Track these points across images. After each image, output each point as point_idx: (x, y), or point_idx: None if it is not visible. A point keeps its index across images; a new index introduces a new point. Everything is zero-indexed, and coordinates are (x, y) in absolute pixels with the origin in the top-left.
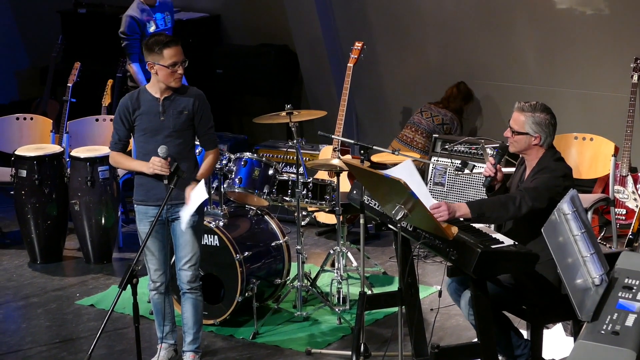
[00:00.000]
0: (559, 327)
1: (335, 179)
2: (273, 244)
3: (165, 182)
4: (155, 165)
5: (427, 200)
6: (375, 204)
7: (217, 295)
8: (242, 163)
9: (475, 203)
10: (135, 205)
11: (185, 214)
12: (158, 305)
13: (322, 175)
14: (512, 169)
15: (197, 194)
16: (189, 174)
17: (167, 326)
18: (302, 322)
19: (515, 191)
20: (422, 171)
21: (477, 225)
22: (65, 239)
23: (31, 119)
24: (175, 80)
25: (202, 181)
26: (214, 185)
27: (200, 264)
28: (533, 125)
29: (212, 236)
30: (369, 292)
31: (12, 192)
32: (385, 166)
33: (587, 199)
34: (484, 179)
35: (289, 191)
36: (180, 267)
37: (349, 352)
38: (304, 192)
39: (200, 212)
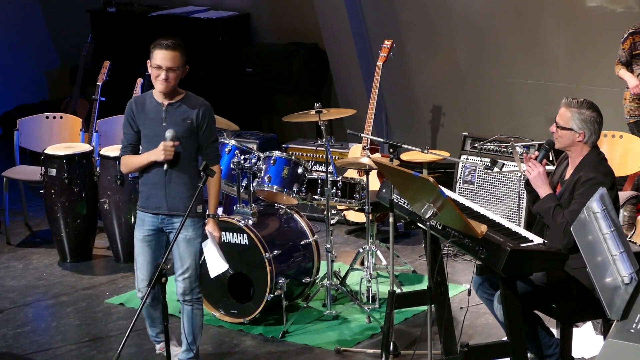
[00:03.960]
0: (588, 325)
1: (364, 178)
2: (302, 242)
3: (165, 167)
4: (167, 150)
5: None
6: (404, 203)
7: (246, 294)
8: (272, 162)
9: (546, 203)
10: (137, 211)
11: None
12: (146, 311)
13: (351, 173)
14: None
15: (209, 253)
16: (191, 186)
17: (157, 328)
18: (331, 320)
19: (563, 218)
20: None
21: (506, 224)
22: (95, 238)
23: (61, 117)
24: (158, 84)
25: (208, 240)
26: (244, 183)
27: (229, 262)
28: (578, 122)
29: (241, 235)
30: (399, 291)
31: (41, 191)
32: (414, 165)
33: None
34: (521, 177)
35: (319, 190)
36: (175, 277)
37: (379, 351)
38: (333, 190)
39: (196, 227)
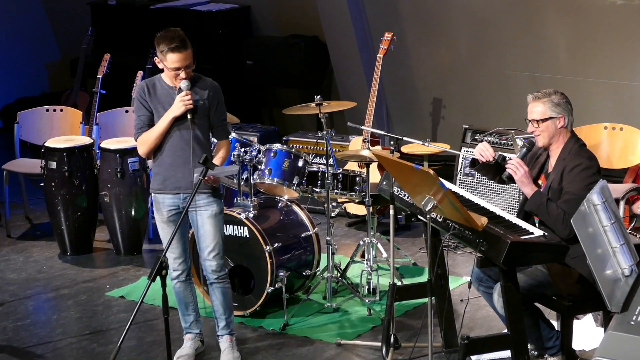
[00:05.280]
0: (589, 317)
1: (365, 170)
2: (303, 235)
3: (189, 116)
4: (185, 100)
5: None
6: (405, 195)
7: (247, 287)
8: (272, 154)
9: (536, 200)
10: (152, 195)
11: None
12: (180, 294)
13: (351, 166)
14: None
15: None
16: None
17: (190, 315)
18: (332, 313)
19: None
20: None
21: (506, 216)
22: (96, 231)
23: (61, 110)
24: (179, 82)
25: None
26: (244, 176)
27: (229, 255)
28: (554, 108)
29: (241, 227)
30: (399, 283)
31: (42, 184)
32: (414, 157)
33: (618, 189)
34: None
35: (319, 182)
36: (204, 257)
37: (379, 343)
38: (334, 183)
39: (219, 201)
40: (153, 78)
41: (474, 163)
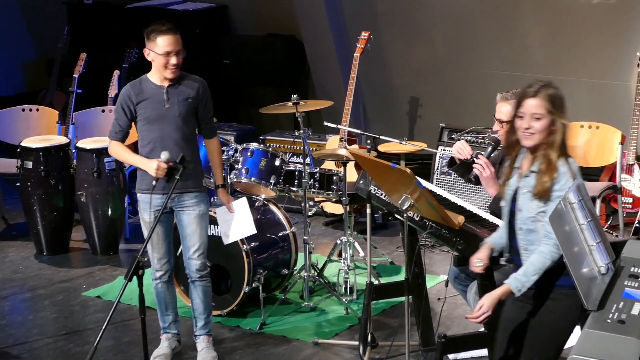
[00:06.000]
0: None
1: (342, 169)
2: (280, 234)
3: (154, 182)
4: (161, 170)
5: None
6: (382, 194)
7: (224, 286)
8: (249, 153)
9: (497, 203)
10: (138, 195)
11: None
12: (162, 294)
13: (329, 165)
14: None
15: (240, 212)
16: (194, 164)
17: (170, 315)
18: (309, 312)
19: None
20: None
21: (483, 215)
22: (72, 231)
23: (37, 110)
24: (170, 71)
25: (244, 198)
26: None
27: (207, 254)
28: None
29: (219, 227)
30: (376, 282)
31: (18, 184)
32: (392, 156)
33: (594, 187)
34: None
35: (296, 181)
36: (189, 256)
37: (356, 342)
38: (311, 182)
39: (206, 200)
40: (137, 79)
41: (452, 162)
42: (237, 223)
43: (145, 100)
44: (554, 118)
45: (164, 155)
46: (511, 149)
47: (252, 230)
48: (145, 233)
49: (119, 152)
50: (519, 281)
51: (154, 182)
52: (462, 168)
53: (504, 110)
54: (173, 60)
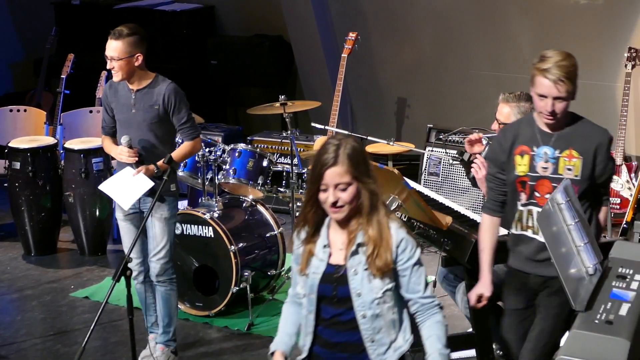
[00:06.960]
0: None
1: None
2: (268, 234)
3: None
4: (123, 154)
5: None
6: None
7: (212, 287)
8: (237, 154)
9: None
10: None
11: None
12: (142, 294)
13: None
14: None
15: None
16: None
17: (152, 316)
18: None
19: None
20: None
21: (471, 215)
22: (60, 231)
23: (25, 110)
24: (113, 73)
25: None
26: (209, 176)
27: (194, 255)
28: (519, 115)
29: (206, 227)
30: None
31: (5, 184)
32: (379, 157)
33: None
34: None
35: (284, 182)
36: (149, 259)
37: None
38: (299, 182)
39: (171, 206)
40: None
41: (460, 154)
42: (130, 186)
43: (116, 102)
44: (359, 181)
45: (124, 139)
46: (309, 225)
47: (149, 184)
48: (121, 231)
49: (105, 145)
50: (445, 357)
51: (132, 167)
52: (466, 165)
53: (503, 111)
54: (109, 65)
